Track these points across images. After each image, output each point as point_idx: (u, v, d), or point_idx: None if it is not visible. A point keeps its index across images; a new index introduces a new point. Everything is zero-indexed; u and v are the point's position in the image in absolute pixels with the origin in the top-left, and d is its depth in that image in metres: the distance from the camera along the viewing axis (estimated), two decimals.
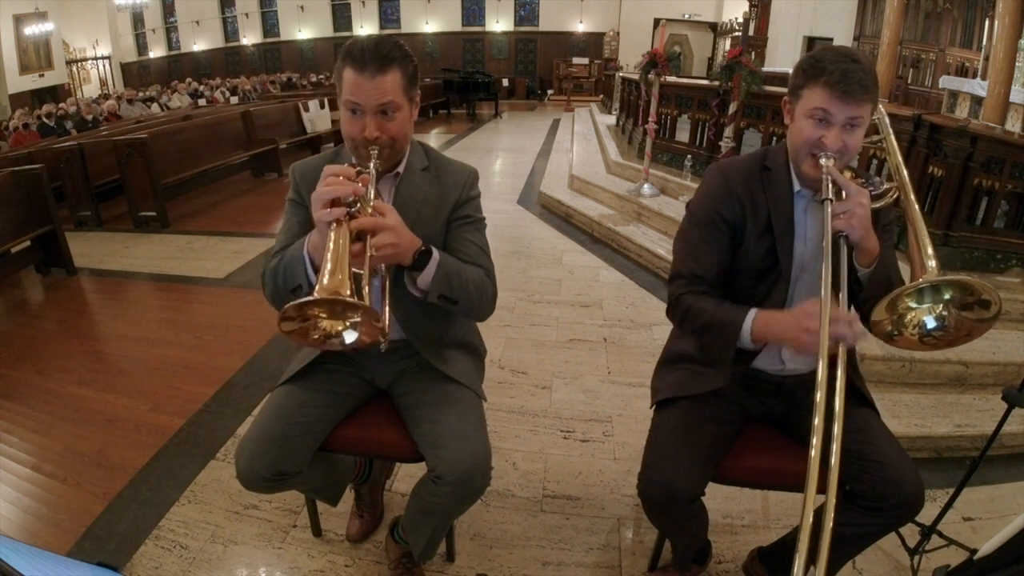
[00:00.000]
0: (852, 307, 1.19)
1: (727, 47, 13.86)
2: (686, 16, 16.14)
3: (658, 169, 4.91)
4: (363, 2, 18.55)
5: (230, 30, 20.06)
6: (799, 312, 1.10)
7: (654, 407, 1.42)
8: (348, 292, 0.93)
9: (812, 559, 0.89)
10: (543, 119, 12.98)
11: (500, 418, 2.29)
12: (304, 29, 19.28)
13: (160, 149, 5.15)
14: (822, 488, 0.94)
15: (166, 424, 2.27)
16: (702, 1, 15.99)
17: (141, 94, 12.65)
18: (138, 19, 19.65)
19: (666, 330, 1.55)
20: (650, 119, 4.73)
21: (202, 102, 12.47)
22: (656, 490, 1.23)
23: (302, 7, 18.82)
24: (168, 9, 19.84)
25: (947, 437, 2.12)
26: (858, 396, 1.31)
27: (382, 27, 18.70)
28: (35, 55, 15.79)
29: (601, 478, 1.98)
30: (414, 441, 1.32)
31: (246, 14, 19.41)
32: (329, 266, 0.95)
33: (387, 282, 1.16)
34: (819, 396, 1.01)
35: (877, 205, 1.18)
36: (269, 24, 19.73)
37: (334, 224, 1.01)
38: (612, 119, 8.48)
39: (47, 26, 15.88)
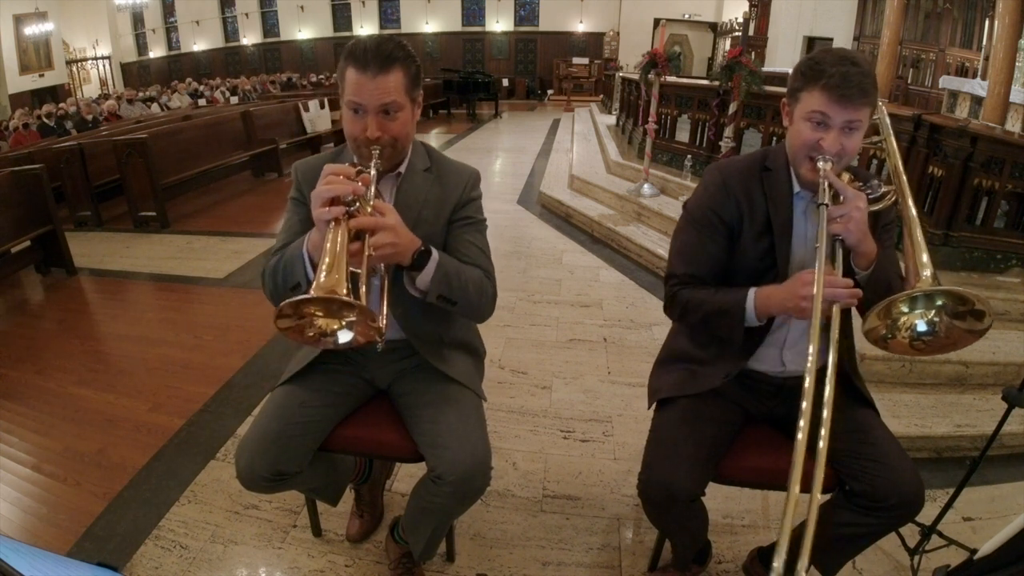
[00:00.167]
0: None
1: (727, 47, 13.86)
2: (686, 16, 16.14)
3: (658, 169, 4.91)
4: (363, 2, 18.56)
5: (230, 30, 20.06)
6: (795, 281, 1.13)
7: (654, 406, 1.42)
8: (344, 292, 0.93)
9: (795, 551, 0.89)
10: (543, 119, 12.98)
11: (500, 418, 2.29)
12: (304, 29, 19.29)
13: (160, 149, 5.15)
14: (806, 487, 0.94)
15: (166, 424, 2.27)
16: (702, 1, 15.99)
17: (141, 94, 12.64)
18: (138, 19, 19.65)
19: (666, 330, 1.56)
20: (650, 119, 4.73)
21: (202, 102, 12.46)
22: (656, 490, 1.23)
23: (302, 7, 18.83)
24: (168, 9, 19.84)
25: (947, 437, 2.12)
26: (858, 396, 1.32)
27: (382, 27, 18.70)
28: (35, 55, 15.79)
29: (601, 478, 1.98)
30: (414, 441, 1.32)
31: (246, 14, 19.42)
32: (326, 265, 0.95)
33: (386, 281, 1.16)
34: (807, 382, 1.02)
35: (876, 208, 1.18)
36: (269, 24, 19.73)
37: (333, 223, 1.01)
38: (612, 119, 8.48)
39: (47, 26, 15.88)
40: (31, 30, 15.44)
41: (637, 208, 4.54)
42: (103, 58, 18.74)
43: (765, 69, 5.12)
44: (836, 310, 1.08)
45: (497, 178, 7.02)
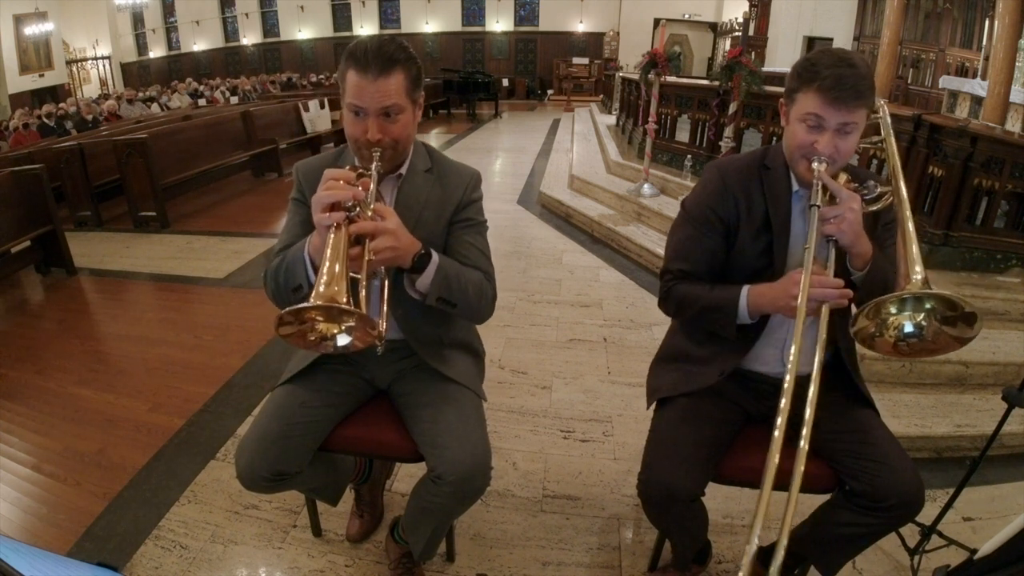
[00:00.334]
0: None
1: (727, 47, 13.86)
2: (686, 16, 16.14)
3: (658, 169, 4.91)
4: (363, 2, 18.55)
5: (230, 30, 20.06)
6: (786, 281, 1.14)
7: (654, 406, 1.42)
8: (344, 300, 0.94)
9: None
10: (543, 119, 12.98)
11: (500, 418, 2.29)
12: (304, 29, 19.28)
13: (160, 149, 5.15)
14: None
15: (166, 424, 2.27)
16: (702, 1, 15.99)
17: (141, 94, 12.64)
18: (138, 19, 19.65)
19: (666, 330, 1.56)
20: (650, 119, 4.73)
21: (202, 102, 12.46)
22: (656, 490, 1.23)
23: (302, 7, 18.83)
24: (168, 9, 19.84)
25: (947, 437, 2.12)
26: (858, 396, 1.32)
27: (382, 27, 18.71)
28: (35, 55, 15.78)
29: (601, 478, 1.98)
30: (414, 441, 1.32)
31: (246, 14, 19.42)
32: (326, 272, 0.96)
33: (386, 283, 1.16)
34: (788, 378, 1.02)
35: (873, 209, 1.18)
36: (269, 24, 19.73)
37: (333, 228, 1.01)
38: (612, 119, 8.48)
39: (47, 26, 15.87)
40: (31, 30, 15.43)
41: (637, 208, 4.54)
42: (103, 58, 18.74)
43: (765, 69, 5.11)
44: (825, 310, 1.08)
45: (497, 178, 7.02)
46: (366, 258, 1.04)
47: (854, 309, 1.18)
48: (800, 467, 0.97)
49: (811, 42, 12.04)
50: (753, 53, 9.40)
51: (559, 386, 2.53)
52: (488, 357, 1.59)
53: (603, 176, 5.63)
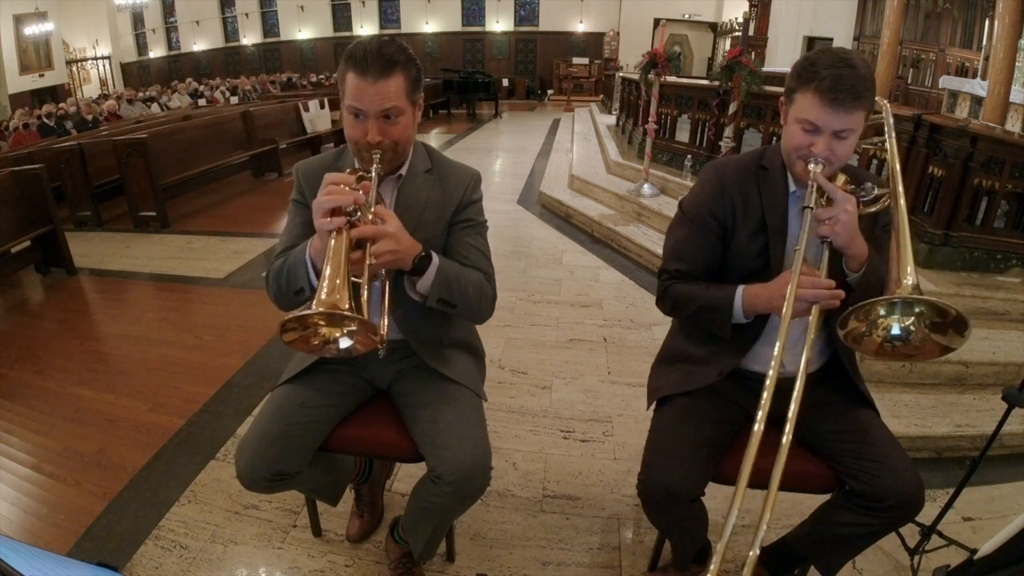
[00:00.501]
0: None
1: (727, 47, 13.86)
2: (686, 16, 16.14)
3: (658, 169, 4.91)
4: (363, 2, 18.55)
5: (230, 30, 20.06)
6: (780, 281, 1.15)
7: (654, 406, 1.42)
8: (347, 306, 0.95)
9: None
10: (543, 119, 12.98)
11: (500, 418, 2.29)
12: (304, 29, 19.28)
13: (160, 149, 5.15)
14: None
15: (166, 424, 2.27)
16: (702, 1, 15.99)
17: (141, 94, 12.64)
18: (138, 19, 19.65)
19: (666, 330, 1.56)
20: (650, 119, 4.73)
21: (202, 102, 12.46)
22: (656, 490, 1.23)
23: (302, 7, 18.82)
24: (168, 9, 19.84)
25: (947, 437, 2.12)
26: (858, 396, 1.32)
27: (382, 27, 18.71)
28: (35, 55, 15.78)
29: (601, 478, 1.98)
30: (414, 441, 1.32)
31: (246, 14, 19.41)
32: (327, 278, 0.97)
33: (387, 285, 1.16)
34: (769, 379, 1.03)
35: (871, 210, 1.18)
36: (269, 24, 19.73)
37: (334, 233, 1.02)
38: (612, 119, 8.48)
39: (47, 26, 15.87)
40: (31, 30, 15.43)
41: (637, 208, 4.54)
42: (103, 58, 18.74)
43: (765, 69, 5.12)
44: (815, 311, 1.08)
45: (497, 178, 7.02)
46: (367, 262, 1.04)
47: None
48: (781, 463, 0.99)
49: (811, 42, 12.04)
50: (753, 53, 9.40)
51: (559, 386, 2.53)
52: (488, 357, 1.59)
53: (603, 176, 5.63)
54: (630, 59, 14.02)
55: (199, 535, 1.73)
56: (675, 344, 1.46)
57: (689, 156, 4.82)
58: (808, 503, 1.39)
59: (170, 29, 20.12)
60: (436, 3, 18.33)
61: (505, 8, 18.20)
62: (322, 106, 8.03)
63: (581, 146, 7.47)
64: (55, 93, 15.32)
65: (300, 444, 1.28)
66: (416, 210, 1.29)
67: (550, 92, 17.79)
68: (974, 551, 1.19)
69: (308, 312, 0.94)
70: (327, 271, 0.97)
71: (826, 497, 1.32)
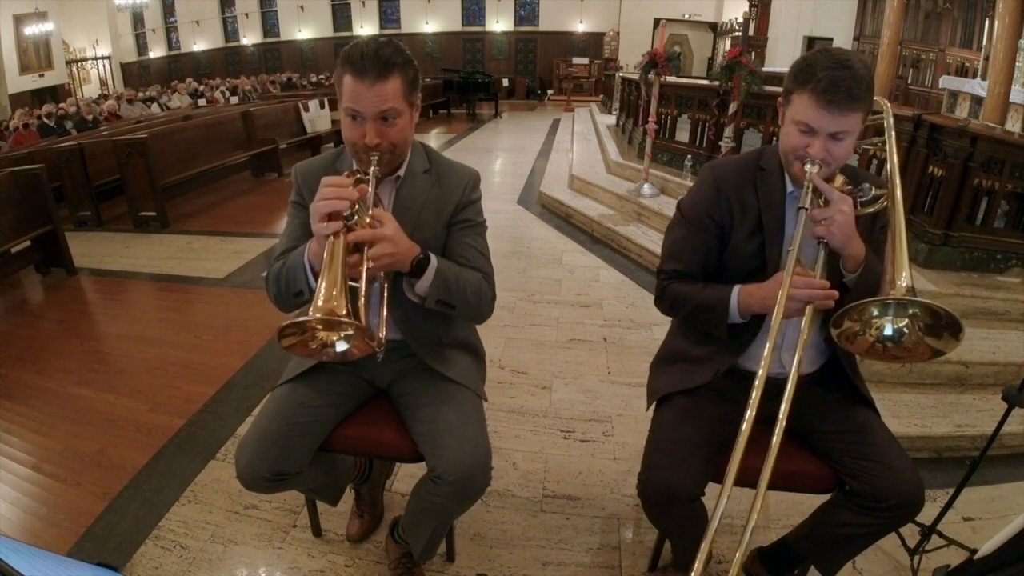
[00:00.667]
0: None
1: (727, 47, 13.86)
2: (686, 16, 16.14)
3: (658, 169, 4.91)
4: (363, 2, 18.55)
5: (230, 30, 20.06)
6: (774, 281, 1.15)
7: (654, 406, 1.42)
8: (344, 312, 0.95)
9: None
10: (543, 119, 12.98)
11: (500, 418, 2.29)
12: (304, 29, 19.28)
13: (160, 149, 5.15)
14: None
15: (166, 424, 2.27)
16: (702, 1, 15.99)
17: (141, 94, 12.64)
18: (138, 19, 19.64)
19: (665, 329, 1.56)
20: (650, 119, 4.73)
21: (202, 102, 12.46)
22: (656, 490, 1.23)
23: (302, 7, 18.82)
24: (168, 9, 19.83)
25: (947, 437, 2.12)
26: (858, 396, 1.32)
27: (382, 27, 18.70)
28: (35, 55, 15.78)
29: (601, 478, 1.98)
30: (414, 441, 1.32)
31: (246, 14, 19.41)
32: (324, 284, 0.97)
33: (385, 287, 1.16)
34: (759, 376, 1.03)
35: (868, 211, 1.17)
36: (269, 24, 19.73)
37: (331, 237, 1.02)
38: (612, 119, 8.47)
39: (47, 26, 15.87)
40: (31, 30, 15.43)
41: (637, 208, 4.54)
42: (103, 58, 18.73)
43: (765, 69, 5.11)
44: (809, 311, 1.09)
45: (497, 178, 7.02)
46: (365, 266, 1.05)
47: None
48: (770, 463, 0.99)
49: (811, 42, 12.03)
50: (753, 53, 9.41)
51: (559, 386, 2.53)
52: (488, 357, 1.59)
53: (603, 176, 5.63)
54: (630, 59, 14.02)
55: (199, 535, 1.73)
56: (674, 344, 1.46)
57: (689, 156, 4.82)
58: (808, 503, 1.40)
59: (170, 29, 20.12)
60: (436, 3, 18.32)
61: (505, 8, 18.20)
62: (322, 106, 8.03)
63: (581, 146, 7.47)
64: (55, 93, 15.33)
65: (300, 444, 1.28)
66: (415, 210, 1.29)
67: (550, 92, 17.79)
68: (974, 551, 1.19)
69: (305, 319, 0.95)
70: (324, 277, 0.98)
71: (826, 497, 1.32)
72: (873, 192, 1.17)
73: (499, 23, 18.40)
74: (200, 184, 6.02)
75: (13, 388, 2.58)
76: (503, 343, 2.88)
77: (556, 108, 15.02)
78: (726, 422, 1.34)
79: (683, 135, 5.05)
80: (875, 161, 3.20)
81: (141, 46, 19.97)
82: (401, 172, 1.30)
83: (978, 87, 8.12)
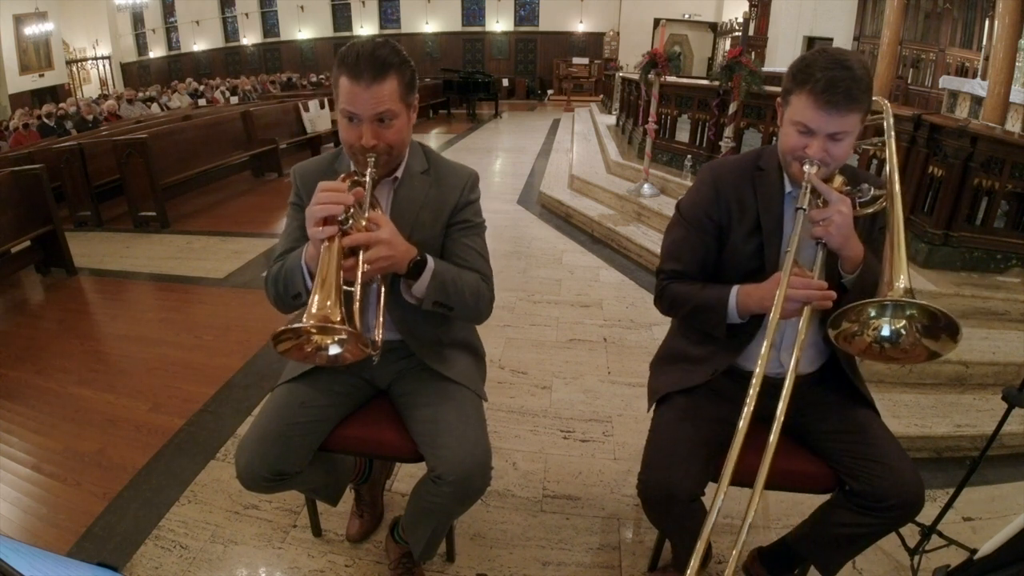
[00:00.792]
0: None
1: (727, 47, 13.86)
2: (686, 16, 16.14)
3: (658, 169, 4.91)
4: (363, 2, 18.54)
5: (230, 30, 20.06)
6: (772, 282, 1.15)
7: (653, 406, 1.42)
8: (338, 319, 0.96)
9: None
10: (543, 119, 12.98)
11: (500, 418, 2.29)
12: (304, 29, 19.28)
13: (160, 149, 5.15)
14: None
15: (166, 424, 2.27)
16: (702, 1, 15.98)
17: (141, 94, 12.64)
18: (138, 19, 19.65)
19: (665, 329, 1.56)
20: (650, 119, 4.73)
21: (202, 102, 12.46)
22: (656, 490, 1.23)
23: (302, 7, 18.82)
24: (168, 9, 19.83)
25: (947, 437, 2.12)
26: (858, 396, 1.32)
27: (382, 27, 18.70)
28: (35, 55, 15.78)
29: (601, 478, 1.98)
30: (414, 441, 1.32)
31: (246, 14, 19.41)
32: (319, 290, 0.98)
33: (382, 289, 1.16)
34: (755, 376, 1.04)
35: (867, 212, 1.17)
36: (269, 24, 19.73)
37: (326, 241, 1.02)
38: (612, 119, 8.47)
39: (47, 26, 15.87)
40: (31, 30, 15.43)
41: (637, 208, 4.54)
42: (103, 58, 18.73)
43: (765, 69, 5.11)
44: (807, 312, 1.09)
45: (497, 178, 7.02)
46: (360, 269, 1.05)
47: None
48: (767, 462, 1.00)
49: (811, 42, 12.03)
50: (753, 53, 9.41)
51: (559, 386, 2.53)
52: (488, 357, 1.59)
53: (603, 176, 5.63)
54: (630, 59, 14.02)
55: (199, 535, 1.73)
56: (674, 344, 1.47)
57: (689, 156, 4.82)
58: (808, 503, 1.40)
59: (170, 29, 20.12)
60: (436, 3, 18.32)
61: (505, 8, 18.20)
62: (322, 106, 8.03)
63: (581, 146, 7.47)
64: (55, 93, 15.33)
65: (300, 444, 1.28)
66: (413, 211, 1.29)
67: (550, 92, 17.79)
68: (974, 551, 1.19)
69: (299, 326, 0.95)
70: (318, 282, 0.98)
71: (826, 497, 1.32)
72: (872, 193, 1.17)
73: (499, 23, 18.39)
74: (200, 184, 6.02)
75: (13, 388, 2.58)
76: (503, 343, 2.88)
77: (556, 108, 15.02)
78: (726, 422, 1.34)
79: (683, 135, 5.05)
80: (875, 161, 3.19)
81: (141, 46, 19.97)
82: (399, 173, 1.30)
83: (978, 87, 8.12)
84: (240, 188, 6.57)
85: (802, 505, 1.65)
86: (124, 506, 1.85)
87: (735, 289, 1.24)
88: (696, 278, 1.33)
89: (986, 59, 8.15)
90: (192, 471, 2.00)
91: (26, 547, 0.70)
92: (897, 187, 1.14)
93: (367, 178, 1.13)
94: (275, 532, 1.74)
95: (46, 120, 8.66)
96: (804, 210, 1.10)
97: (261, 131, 6.90)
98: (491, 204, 5.43)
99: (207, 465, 2.03)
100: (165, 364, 2.76)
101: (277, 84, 15.87)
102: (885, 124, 1.29)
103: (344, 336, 1.00)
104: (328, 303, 0.96)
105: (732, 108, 4.21)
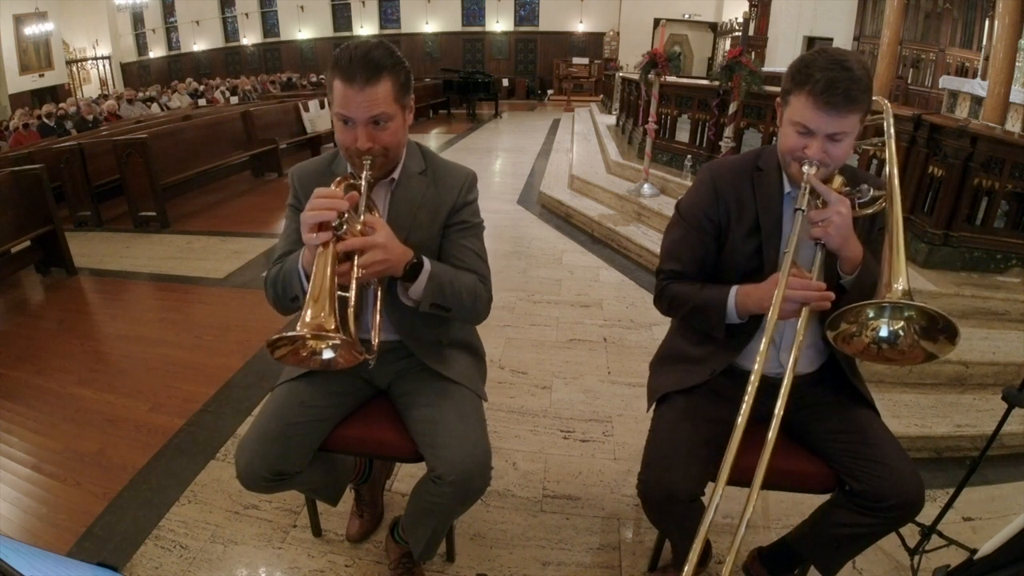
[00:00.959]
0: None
1: (727, 47, 13.86)
2: (686, 16, 16.14)
3: (658, 169, 4.91)
4: (363, 2, 18.55)
5: (230, 30, 20.06)
6: (771, 282, 1.15)
7: (653, 406, 1.42)
8: (332, 327, 0.96)
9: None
10: (543, 119, 12.98)
11: (500, 418, 2.29)
12: (304, 29, 19.28)
13: (160, 149, 5.15)
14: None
15: (166, 424, 2.27)
16: (702, 1, 15.98)
17: (141, 94, 12.64)
18: (138, 19, 19.65)
19: (665, 329, 1.56)
20: (650, 119, 4.73)
21: (202, 102, 12.46)
22: (656, 490, 1.23)
23: (302, 7, 18.82)
24: (168, 9, 19.83)
25: (947, 437, 2.12)
26: (857, 396, 1.32)
27: (382, 27, 18.70)
28: (35, 55, 15.78)
29: (601, 478, 1.98)
30: (414, 441, 1.32)
31: (246, 14, 19.41)
32: (312, 297, 0.97)
33: (379, 292, 1.16)
34: (753, 377, 1.04)
35: (866, 212, 1.17)
36: (269, 24, 19.73)
37: (321, 247, 1.02)
38: (612, 119, 8.47)
39: (47, 26, 15.87)
40: (31, 30, 15.43)
41: (637, 208, 4.54)
42: (103, 58, 18.73)
43: (765, 69, 5.12)
44: (806, 312, 1.09)
45: (497, 178, 7.02)
46: (355, 274, 1.05)
47: None
48: (764, 461, 1.00)
49: (811, 42, 12.03)
50: (753, 53, 9.42)
51: (559, 386, 2.53)
52: (488, 357, 1.59)
53: (603, 176, 5.63)
54: (630, 59, 14.01)
55: (199, 535, 1.73)
56: (674, 344, 1.47)
57: (689, 156, 4.82)
58: (808, 503, 1.40)
59: (170, 29, 20.12)
60: (436, 3, 18.32)
61: (505, 8, 18.20)
62: (322, 106, 8.04)
63: (581, 146, 7.46)
64: (55, 93, 15.33)
65: (300, 444, 1.28)
66: (410, 212, 1.29)
67: (550, 92, 17.78)
68: (974, 551, 1.19)
69: (293, 334, 0.96)
70: (311, 292, 0.98)
71: (826, 497, 1.32)
72: (872, 193, 1.17)
73: (499, 23, 18.39)
74: (200, 184, 6.02)
75: (13, 388, 2.58)
76: (503, 343, 2.88)
77: (556, 108, 15.02)
78: (726, 422, 1.33)
79: (683, 135, 5.05)
80: (875, 161, 3.19)
81: (141, 46, 19.97)
82: (396, 174, 1.29)
83: (978, 87, 8.12)
84: (240, 188, 6.57)
85: (802, 505, 1.65)
86: (124, 506, 1.85)
87: (734, 289, 1.24)
88: (695, 278, 1.33)
89: (986, 59, 8.15)
90: (192, 471, 2.00)
91: (26, 547, 0.70)
92: (897, 188, 1.13)
93: (363, 181, 1.12)
94: (275, 532, 1.74)
95: (46, 120, 8.66)
96: (802, 211, 1.10)
97: (261, 131, 6.90)
98: (491, 204, 5.44)
99: (207, 465, 2.04)
100: (165, 364, 2.76)
101: (277, 84, 15.88)
102: (885, 124, 1.29)
103: (337, 343, 1.00)
104: (322, 311, 0.96)
105: (732, 108, 4.21)
